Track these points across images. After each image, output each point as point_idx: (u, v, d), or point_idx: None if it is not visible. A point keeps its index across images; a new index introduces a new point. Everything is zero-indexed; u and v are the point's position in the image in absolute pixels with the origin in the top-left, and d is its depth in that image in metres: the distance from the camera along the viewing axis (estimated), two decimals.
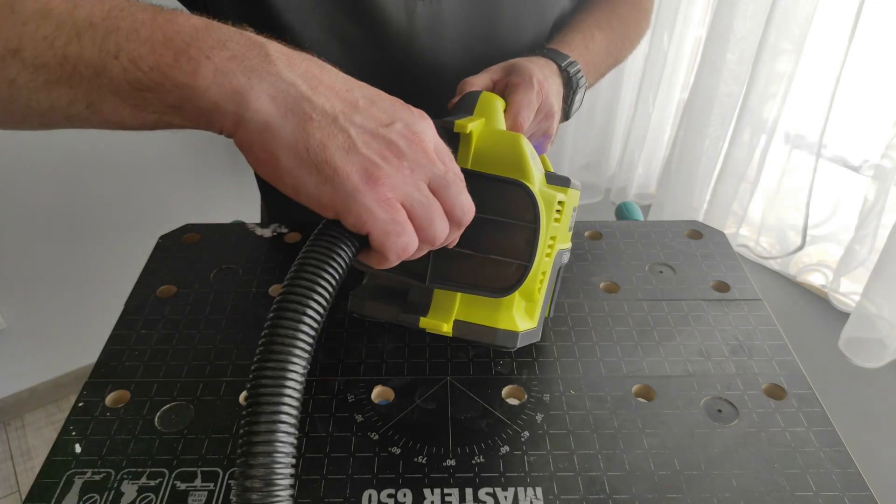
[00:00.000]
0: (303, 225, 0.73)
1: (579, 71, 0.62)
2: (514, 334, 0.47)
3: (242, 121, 0.32)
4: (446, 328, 0.45)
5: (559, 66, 0.61)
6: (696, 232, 0.74)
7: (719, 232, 0.74)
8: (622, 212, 0.91)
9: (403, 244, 0.34)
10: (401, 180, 0.34)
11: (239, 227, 0.73)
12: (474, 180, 0.41)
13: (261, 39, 0.33)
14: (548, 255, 0.47)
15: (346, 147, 0.33)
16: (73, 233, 1.56)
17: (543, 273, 0.48)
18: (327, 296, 0.32)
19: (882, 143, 1.10)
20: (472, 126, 0.44)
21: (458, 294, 0.46)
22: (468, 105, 0.50)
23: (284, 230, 0.72)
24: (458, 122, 0.44)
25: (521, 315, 0.48)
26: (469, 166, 0.44)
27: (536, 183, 0.45)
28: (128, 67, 0.31)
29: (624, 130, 1.64)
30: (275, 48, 0.33)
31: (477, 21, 0.63)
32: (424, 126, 0.36)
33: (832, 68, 1.13)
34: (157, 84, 0.32)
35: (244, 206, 1.62)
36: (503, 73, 0.57)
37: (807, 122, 1.26)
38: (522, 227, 0.43)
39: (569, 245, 0.54)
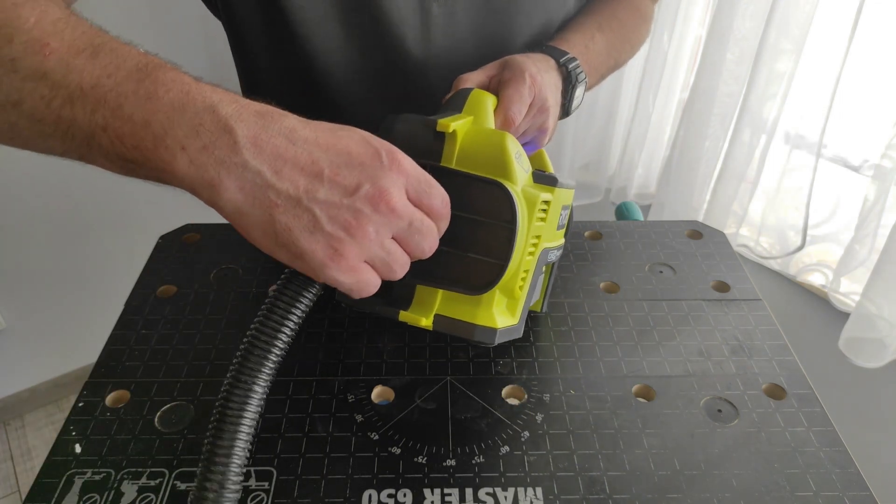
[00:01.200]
0: None
1: (578, 66, 0.62)
2: (492, 331, 0.47)
3: (217, 205, 0.36)
4: (425, 322, 0.45)
5: (557, 62, 0.61)
6: (696, 232, 0.74)
7: (719, 232, 0.74)
8: (622, 212, 0.91)
9: (368, 291, 0.39)
10: (366, 246, 0.37)
11: None
12: (455, 179, 0.42)
13: (230, 123, 0.34)
14: (531, 253, 0.47)
15: (310, 227, 0.35)
16: (73, 233, 1.55)
17: (526, 271, 0.48)
18: (287, 339, 0.38)
19: (882, 143, 1.09)
20: (455, 125, 0.44)
21: (440, 290, 0.46)
22: (458, 102, 0.50)
23: None
24: (441, 121, 0.44)
25: (501, 312, 0.48)
26: (454, 165, 0.44)
27: (520, 182, 0.45)
28: (114, 142, 0.34)
29: (624, 130, 1.64)
30: (243, 133, 0.35)
31: (490, 23, 0.64)
32: (393, 178, 0.37)
33: (832, 68, 1.13)
34: (139, 161, 0.35)
35: None
36: (497, 69, 0.57)
37: (807, 122, 1.26)
38: (500, 227, 0.43)
39: (560, 243, 0.54)
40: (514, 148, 0.45)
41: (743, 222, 1.40)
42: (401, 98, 0.66)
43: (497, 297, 0.47)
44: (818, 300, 1.31)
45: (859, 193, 1.16)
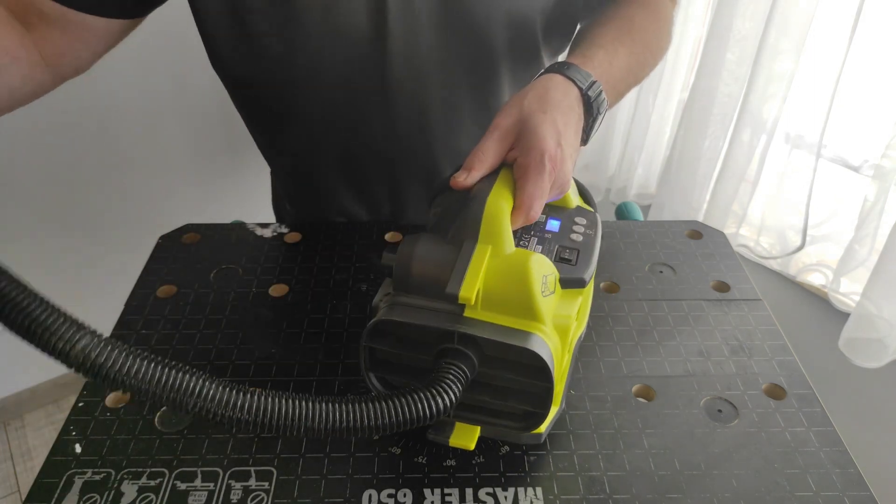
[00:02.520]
0: (304, 222, 0.73)
1: (601, 94, 0.55)
2: (538, 435, 0.49)
3: None
4: (472, 445, 0.45)
5: (581, 91, 0.53)
6: (696, 232, 0.74)
7: (719, 232, 0.74)
8: (622, 212, 0.91)
9: None
10: None
11: (239, 227, 0.73)
12: (486, 343, 0.41)
13: None
14: (568, 350, 0.47)
15: None
16: (72, 232, 1.55)
17: (564, 369, 0.47)
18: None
19: (882, 143, 1.10)
20: (476, 287, 0.41)
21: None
22: (473, 223, 0.44)
23: (284, 230, 0.72)
24: (462, 294, 0.41)
25: None
26: (479, 310, 0.42)
27: (548, 317, 0.43)
28: None
29: (624, 130, 1.64)
30: None
31: (450, 7, 0.61)
32: None
33: (832, 68, 1.13)
34: None
35: (245, 206, 1.62)
36: (512, 136, 0.49)
37: (807, 123, 1.26)
38: (537, 386, 0.43)
39: (586, 318, 0.53)
40: (538, 275, 0.42)
41: (743, 222, 1.40)
42: (357, 94, 0.64)
43: None
44: (818, 300, 1.31)
45: (859, 193, 1.16)
